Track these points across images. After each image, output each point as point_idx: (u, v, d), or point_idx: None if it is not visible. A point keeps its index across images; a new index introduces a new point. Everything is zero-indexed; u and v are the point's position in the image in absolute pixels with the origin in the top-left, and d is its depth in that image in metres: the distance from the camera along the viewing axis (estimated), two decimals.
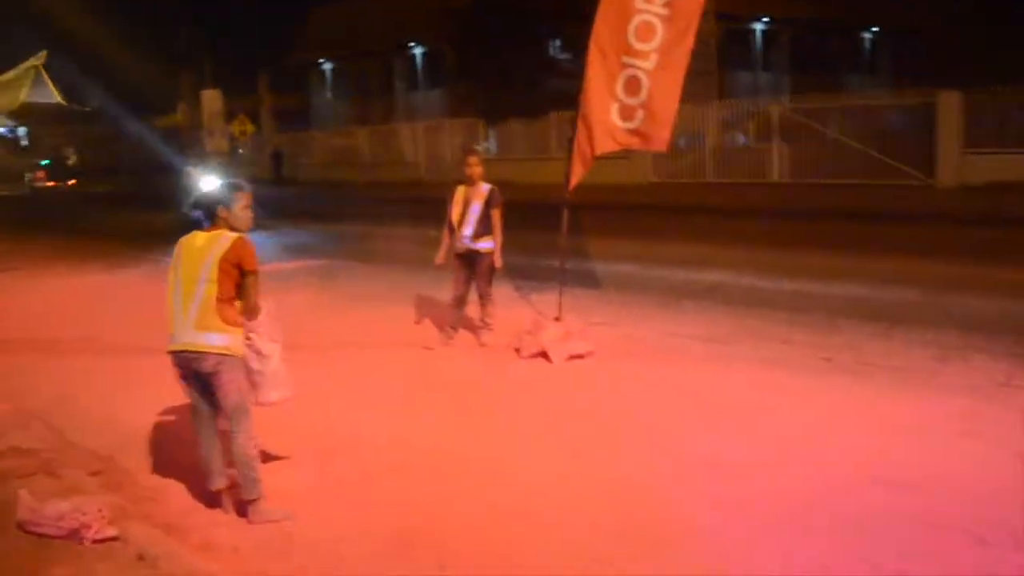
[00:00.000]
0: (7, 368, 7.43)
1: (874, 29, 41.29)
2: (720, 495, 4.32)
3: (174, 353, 4.19)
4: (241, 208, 4.25)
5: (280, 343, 4.47)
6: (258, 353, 4.35)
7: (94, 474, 4.85)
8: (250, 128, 37.02)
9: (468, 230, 7.10)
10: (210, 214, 4.22)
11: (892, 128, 20.49)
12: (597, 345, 6.90)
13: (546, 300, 8.28)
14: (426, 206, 14.61)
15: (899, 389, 5.80)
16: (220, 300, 4.09)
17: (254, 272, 4.16)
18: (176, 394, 6.00)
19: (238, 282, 4.13)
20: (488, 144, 28.62)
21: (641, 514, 4.16)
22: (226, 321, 4.11)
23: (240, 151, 40.32)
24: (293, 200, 24.74)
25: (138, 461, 5.09)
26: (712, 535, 3.94)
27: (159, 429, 5.63)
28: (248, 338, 4.29)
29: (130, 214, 26.07)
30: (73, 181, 49.54)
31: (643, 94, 6.31)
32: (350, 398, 6.16)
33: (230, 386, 4.15)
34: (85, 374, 7.14)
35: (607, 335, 7.39)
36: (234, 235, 4.17)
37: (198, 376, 4.18)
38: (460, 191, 7.23)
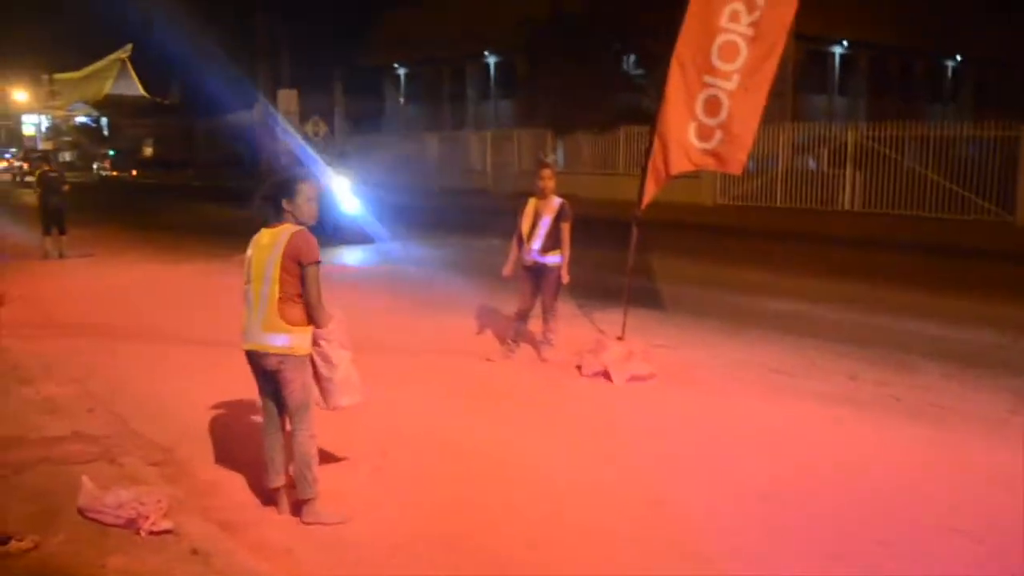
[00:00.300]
0: (76, 350, 7.61)
1: (958, 57, 40.23)
2: (774, 524, 4.20)
3: (247, 352, 4.24)
4: (305, 200, 4.18)
5: (350, 350, 4.46)
6: (327, 361, 4.36)
7: (154, 464, 4.92)
8: (323, 128, 37.58)
9: (537, 243, 7.04)
10: (275, 207, 4.18)
11: (971, 161, 19.86)
12: (659, 368, 6.78)
13: (609, 319, 8.18)
14: (491, 215, 14.66)
15: (970, 435, 5.56)
16: (283, 300, 4.08)
17: (312, 263, 4.09)
18: (237, 388, 6.10)
19: (301, 278, 4.10)
20: (555, 156, 28.58)
21: (689, 537, 4.06)
22: (289, 321, 4.10)
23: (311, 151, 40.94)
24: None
25: (197, 453, 5.14)
26: (762, 562, 3.82)
27: (219, 422, 5.69)
28: (318, 344, 4.29)
29: (200, 207, 26.72)
30: (135, 172, 51.02)
31: (723, 115, 6.18)
32: (409, 404, 6.14)
33: (293, 384, 4.17)
34: (150, 362, 7.27)
35: (669, 358, 7.27)
36: (295, 228, 4.13)
37: (265, 374, 4.21)
38: (531, 203, 7.18)
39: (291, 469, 4.33)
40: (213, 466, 4.97)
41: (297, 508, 4.29)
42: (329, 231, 14.13)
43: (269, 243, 4.12)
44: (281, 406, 4.28)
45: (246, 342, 4.21)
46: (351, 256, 14.33)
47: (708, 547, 4.02)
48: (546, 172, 7.13)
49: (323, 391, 4.40)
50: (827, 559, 3.92)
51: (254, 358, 4.21)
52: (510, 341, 7.45)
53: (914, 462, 5.12)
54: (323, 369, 4.37)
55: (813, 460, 5.11)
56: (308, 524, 4.21)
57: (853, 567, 3.86)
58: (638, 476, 4.85)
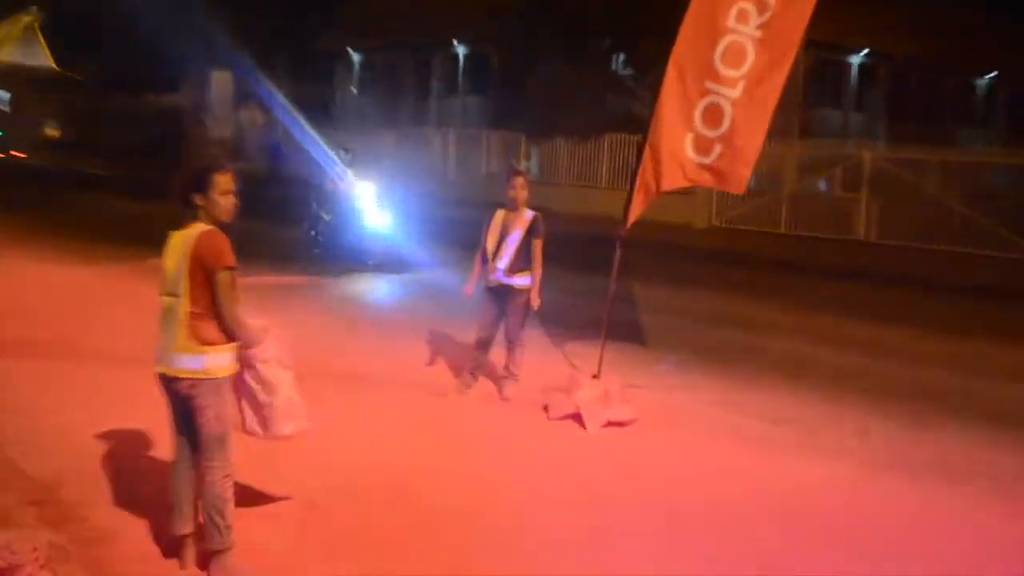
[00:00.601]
0: None
1: (991, 75, 40.99)
2: None
3: (157, 375, 4.16)
4: (220, 193, 4.09)
5: (291, 369, 4.40)
6: (264, 383, 4.29)
7: (33, 503, 4.80)
8: (261, 117, 37.40)
9: (503, 262, 7.01)
10: (186, 204, 4.08)
11: (1001, 191, 20.19)
12: (638, 412, 6.75)
13: (584, 352, 8.16)
14: (454, 226, 14.55)
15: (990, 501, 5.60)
16: (195, 315, 4.00)
17: (223, 269, 3.98)
18: (141, 417, 5.99)
19: (211, 288, 4.01)
20: (529, 164, 28.66)
21: None
22: (202, 340, 4.02)
23: (247, 141, 40.73)
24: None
25: (88, 493, 5.01)
26: None
27: (118, 456, 5.55)
28: (253, 367, 4.23)
29: (110, 199, 26.39)
30: (16, 153, 50.62)
31: (725, 126, 6.21)
32: (347, 443, 6.05)
33: (206, 412, 4.07)
34: (40, 382, 7.10)
35: (649, 401, 7.25)
36: (200, 229, 4.04)
37: (177, 400, 4.13)
38: (498, 216, 7.16)
39: (200, 515, 4.22)
40: (106, 509, 4.85)
41: (204, 561, 4.18)
42: (354, 254, 13.48)
43: (178, 248, 4.04)
44: (194, 439, 4.19)
45: (158, 364, 4.13)
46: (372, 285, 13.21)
47: None
48: (519, 180, 7.12)
49: (263, 419, 4.35)
50: None
51: (165, 382, 4.13)
52: (467, 374, 7.42)
53: (921, 526, 5.13)
54: (261, 395, 4.32)
55: (812, 537, 5.09)
56: None
57: None
58: (602, 550, 4.78)
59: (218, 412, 4.11)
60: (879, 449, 6.60)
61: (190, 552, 4.26)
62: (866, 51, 36.59)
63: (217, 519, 4.10)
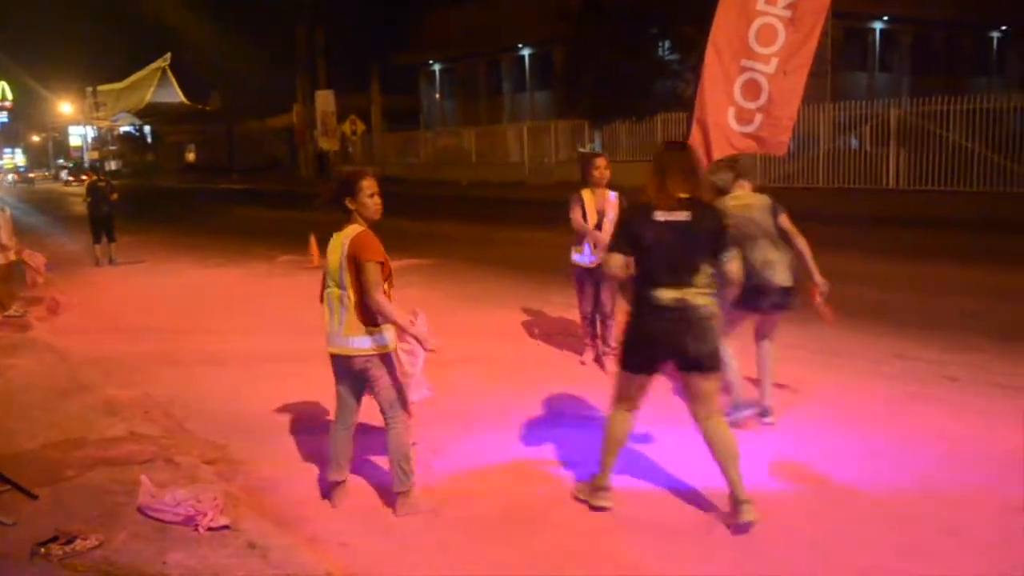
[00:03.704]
0: (133, 355, 7.78)
1: (1003, 28, 39.18)
2: (840, 515, 4.14)
3: (331, 355, 4.28)
4: (368, 196, 4.18)
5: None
6: (411, 355, 4.40)
7: (209, 462, 5.02)
8: (360, 127, 37.93)
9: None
10: (342, 208, 4.20)
11: (1020, 133, 19.37)
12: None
13: None
14: (531, 207, 14.58)
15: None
16: (360, 303, 4.12)
17: (370, 260, 4.06)
18: (292, 389, 6.25)
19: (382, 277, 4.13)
20: (593, 145, 28.49)
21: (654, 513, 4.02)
22: (369, 323, 4.14)
23: (350, 149, 41.34)
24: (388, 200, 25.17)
25: (253, 451, 5.22)
26: (821, 551, 3.79)
27: (275, 422, 5.77)
28: (406, 340, 4.35)
29: (240, 210, 27.08)
30: (82, 177, 52.96)
31: (763, 98, 6.09)
32: (489, 402, 6.14)
33: (381, 381, 4.20)
34: (204, 364, 7.40)
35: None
36: (355, 230, 4.14)
37: (352, 374, 4.25)
38: (587, 197, 6.71)
39: (347, 467, 4.41)
40: (268, 464, 5.04)
41: (391, 501, 4.33)
42: None
43: (337, 246, 4.16)
44: (359, 405, 4.36)
45: (330, 346, 4.26)
46: None
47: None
48: (601, 161, 6.75)
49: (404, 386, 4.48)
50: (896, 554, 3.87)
51: (339, 361, 4.26)
52: (588, 341, 7.07)
53: (966, 442, 5.03)
54: (407, 364, 4.45)
55: (870, 438, 5.04)
56: (401, 516, 4.25)
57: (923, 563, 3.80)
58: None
59: (392, 380, 4.23)
60: (919, 369, 6.45)
61: (341, 495, 4.42)
62: (887, 16, 35.30)
63: (403, 464, 4.25)
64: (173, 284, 12.22)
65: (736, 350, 5.42)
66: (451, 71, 44.23)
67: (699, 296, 3.94)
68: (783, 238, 5.27)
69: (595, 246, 6.60)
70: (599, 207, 6.71)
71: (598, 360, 6.99)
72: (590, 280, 6.83)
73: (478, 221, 19.14)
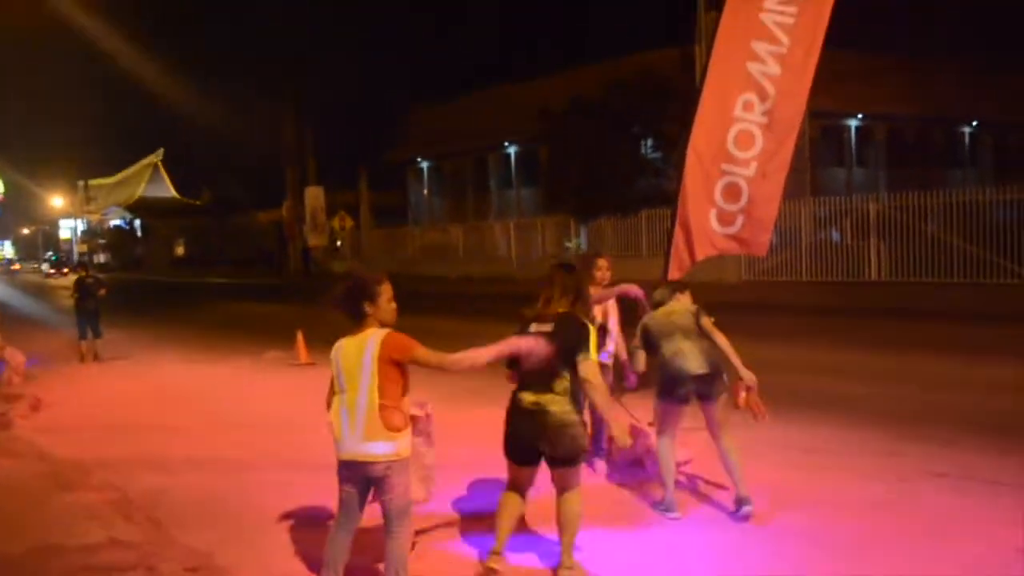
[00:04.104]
0: (114, 456, 7.65)
1: (974, 123, 40.44)
2: None
3: (342, 462, 4.19)
4: (386, 300, 4.18)
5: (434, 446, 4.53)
6: (429, 446, 4.40)
7: (191, 570, 4.89)
8: (349, 223, 38.34)
9: (611, 345, 6.69)
10: (356, 312, 4.16)
11: (996, 224, 19.82)
12: (694, 452, 6.68)
13: (634, 403, 8.11)
14: (521, 301, 14.64)
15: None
16: (384, 407, 4.05)
17: (416, 349, 4.08)
18: (282, 493, 6.13)
19: (400, 381, 4.11)
20: (579, 241, 28.88)
21: None
22: (392, 428, 4.06)
23: (339, 244, 41.69)
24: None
25: (239, 558, 5.08)
26: None
27: (262, 527, 5.63)
28: (418, 433, 4.33)
29: (228, 304, 27.07)
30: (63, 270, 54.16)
31: (743, 201, 6.25)
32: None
33: (397, 489, 4.12)
34: (189, 467, 7.27)
35: (701, 441, 7.15)
36: (383, 331, 4.11)
37: (366, 481, 4.17)
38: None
39: (342, 573, 4.27)
40: (254, 573, 4.91)
41: None
42: None
43: (357, 349, 4.10)
44: (361, 511, 4.26)
45: (344, 452, 4.15)
46: None
47: None
48: (603, 262, 6.68)
49: (421, 479, 4.44)
50: None
51: (354, 468, 4.15)
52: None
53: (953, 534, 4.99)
54: (427, 457, 4.45)
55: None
56: None
57: None
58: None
59: (406, 487, 4.16)
60: (909, 466, 6.44)
61: None
62: (861, 115, 36.42)
63: (401, 572, 4.15)
64: (158, 381, 12.11)
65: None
66: (438, 168, 45.06)
67: (554, 402, 4.37)
68: (703, 336, 5.60)
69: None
70: (604, 308, 6.72)
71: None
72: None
73: (470, 315, 19.21)
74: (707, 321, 5.63)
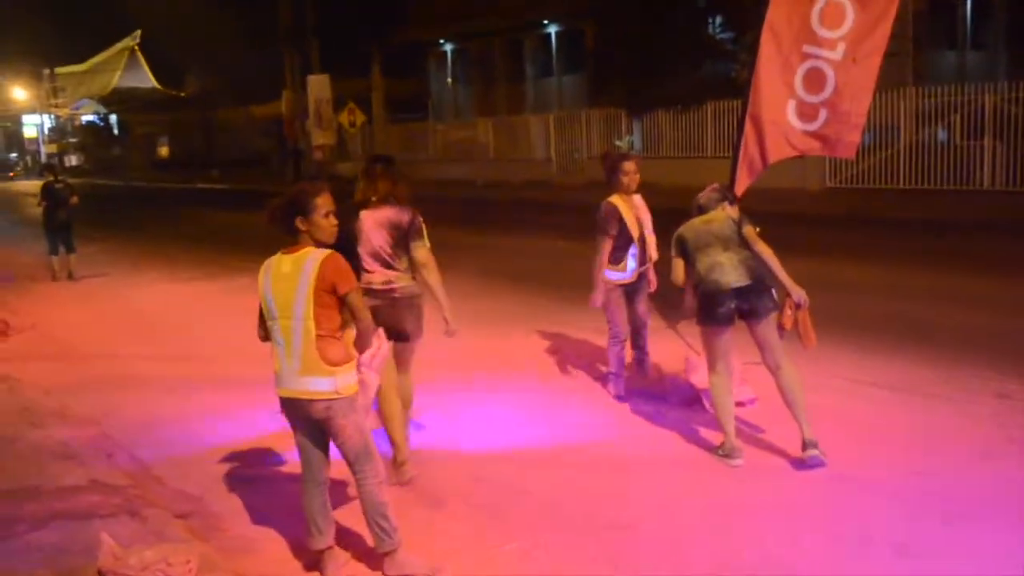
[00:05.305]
0: (93, 387, 7.87)
1: None
2: None
3: (281, 399, 4.28)
4: (322, 216, 4.17)
5: (381, 375, 4.57)
6: (362, 386, 4.43)
7: (181, 517, 5.07)
8: (360, 118, 38.04)
9: (644, 254, 6.86)
10: (288, 228, 4.18)
11: None
12: (759, 391, 6.68)
13: (695, 330, 8.11)
14: (557, 212, 14.53)
15: None
16: (321, 337, 4.11)
17: (353, 290, 4.14)
18: (278, 427, 6.26)
19: (339, 309, 4.16)
20: (631, 139, 28.50)
21: None
22: (331, 362, 4.12)
23: (348, 144, 41.59)
24: None
25: (231, 505, 5.27)
26: None
27: (257, 468, 5.82)
28: (359, 370, 4.35)
29: (218, 214, 27.27)
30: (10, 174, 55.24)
31: (828, 90, 6.09)
32: (497, 434, 6.19)
33: (347, 430, 4.19)
34: (175, 399, 7.47)
35: (769, 378, 7.16)
36: (322, 254, 4.13)
37: (310, 422, 4.24)
38: (623, 206, 6.73)
39: (330, 531, 4.39)
40: (249, 520, 5.08)
41: (377, 563, 4.35)
42: None
43: (292, 271, 4.13)
44: (327, 456, 4.35)
45: (282, 388, 4.24)
46: None
47: None
48: (631, 166, 6.74)
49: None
50: None
51: (294, 406, 4.23)
52: (615, 371, 7.11)
53: None
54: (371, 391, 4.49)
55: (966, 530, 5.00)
56: None
57: None
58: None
59: (357, 426, 4.22)
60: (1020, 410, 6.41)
61: (331, 565, 4.37)
62: None
63: (382, 522, 4.25)
64: (140, 302, 12.36)
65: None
66: (465, 52, 44.37)
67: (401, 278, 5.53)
68: (745, 246, 5.64)
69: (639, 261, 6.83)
70: (638, 216, 6.80)
71: (640, 366, 7.23)
72: (628, 296, 6.93)
73: (493, 227, 19.20)
74: (750, 230, 5.66)
